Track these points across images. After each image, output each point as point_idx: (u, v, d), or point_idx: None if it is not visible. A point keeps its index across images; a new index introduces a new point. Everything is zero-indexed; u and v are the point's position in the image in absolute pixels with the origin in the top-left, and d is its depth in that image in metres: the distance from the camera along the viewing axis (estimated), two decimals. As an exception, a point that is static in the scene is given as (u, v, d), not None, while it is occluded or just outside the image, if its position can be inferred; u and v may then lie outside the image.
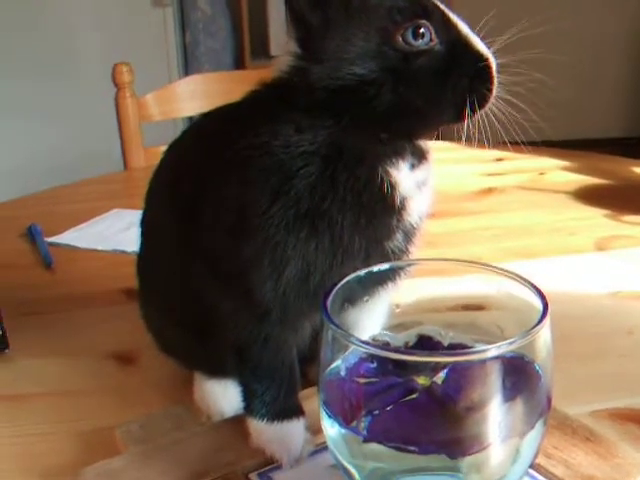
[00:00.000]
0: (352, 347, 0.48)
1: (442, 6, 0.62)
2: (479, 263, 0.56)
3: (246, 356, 0.69)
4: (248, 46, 4.05)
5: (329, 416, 0.48)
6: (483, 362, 0.44)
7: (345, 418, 0.47)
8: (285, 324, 0.65)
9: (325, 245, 0.60)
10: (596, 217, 1.33)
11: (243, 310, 0.66)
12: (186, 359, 0.84)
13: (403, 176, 0.63)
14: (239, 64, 4.11)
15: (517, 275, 0.53)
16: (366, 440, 0.46)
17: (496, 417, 0.45)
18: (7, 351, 0.94)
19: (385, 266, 0.57)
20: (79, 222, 1.42)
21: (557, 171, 1.63)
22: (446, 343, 0.54)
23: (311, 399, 0.71)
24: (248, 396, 0.71)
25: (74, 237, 1.34)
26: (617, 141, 4.69)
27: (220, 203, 0.66)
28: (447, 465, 0.45)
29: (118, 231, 1.36)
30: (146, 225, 0.84)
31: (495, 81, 0.62)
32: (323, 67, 0.61)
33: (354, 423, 0.47)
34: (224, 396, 0.77)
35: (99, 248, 1.28)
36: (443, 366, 0.48)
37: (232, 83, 2.24)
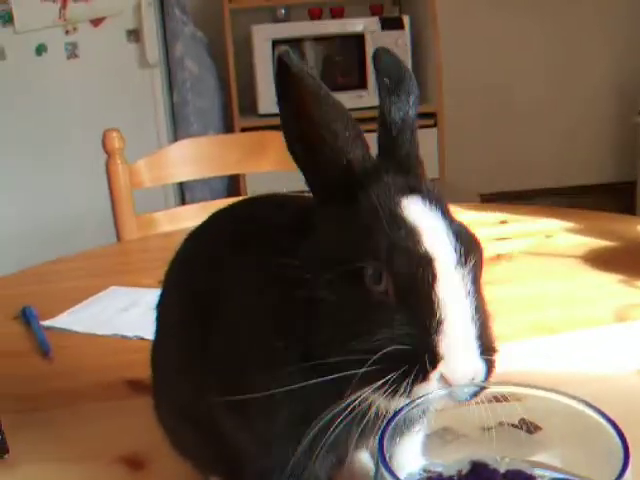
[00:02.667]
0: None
1: None
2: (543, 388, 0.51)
3: None
4: (236, 104, 4.04)
5: None
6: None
7: None
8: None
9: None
10: (611, 283, 1.29)
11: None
12: (202, 463, 0.78)
13: None
14: (228, 123, 4.10)
15: (584, 401, 0.48)
16: None
17: None
18: (6, 456, 0.88)
19: (442, 392, 0.52)
20: (74, 301, 1.36)
21: (564, 233, 1.59)
22: (502, 470, 0.49)
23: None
24: None
25: (70, 321, 1.29)
26: (608, 187, 4.70)
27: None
28: None
29: (116, 312, 1.31)
30: (162, 312, 0.78)
31: None
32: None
33: None
34: None
35: (98, 333, 1.23)
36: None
37: (223, 147, 2.22)
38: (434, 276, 0.55)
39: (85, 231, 1.98)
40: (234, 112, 4.07)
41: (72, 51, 3.80)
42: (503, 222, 1.69)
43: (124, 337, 1.20)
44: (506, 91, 4.65)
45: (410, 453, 0.52)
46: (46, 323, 1.27)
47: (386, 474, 0.42)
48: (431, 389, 0.53)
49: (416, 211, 0.59)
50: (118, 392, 1.02)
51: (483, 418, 0.53)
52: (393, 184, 0.61)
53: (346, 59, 4.24)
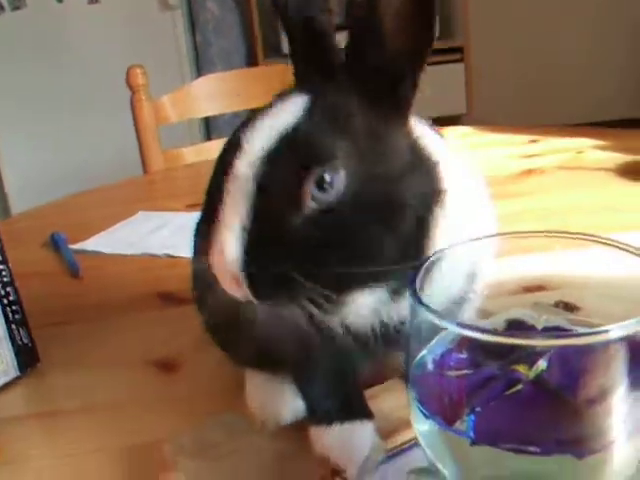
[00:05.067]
0: (437, 336, 0.42)
1: None
2: (576, 234, 0.49)
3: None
4: (260, 44, 3.99)
5: (426, 416, 0.42)
6: (606, 345, 0.38)
7: (446, 418, 0.41)
8: None
9: None
10: (644, 193, 1.27)
11: None
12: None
13: None
14: (251, 63, 4.06)
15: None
16: (475, 442, 0.40)
17: (623, 407, 0.39)
18: (38, 365, 0.88)
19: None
20: (103, 228, 1.36)
21: (595, 150, 1.56)
22: (540, 327, 0.48)
23: (379, 398, 0.65)
24: (305, 396, 0.65)
25: (100, 243, 1.28)
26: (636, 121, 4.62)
27: None
28: (567, 468, 0.39)
29: (145, 234, 1.30)
30: None
31: None
32: None
33: (457, 423, 0.41)
34: (281, 399, 0.70)
35: (127, 253, 1.22)
36: (544, 352, 0.42)
37: (246, 81, 2.20)
38: None
39: (113, 174, 1.98)
40: (257, 52, 4.03)
41: (93, -5, 3.77)
42: (533, 141, 1.66)
43: (153, 256, 1.19)
44: (535, 24, 4.56)
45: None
46: (75, 247, 1.26)
47: (424, 312, 0.40)
48: None
49: None
50: (148, 304, 1.01)
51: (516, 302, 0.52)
52: None
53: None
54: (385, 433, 0.61)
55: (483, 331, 0.38)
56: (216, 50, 3.97)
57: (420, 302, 0.41)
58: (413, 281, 0.43)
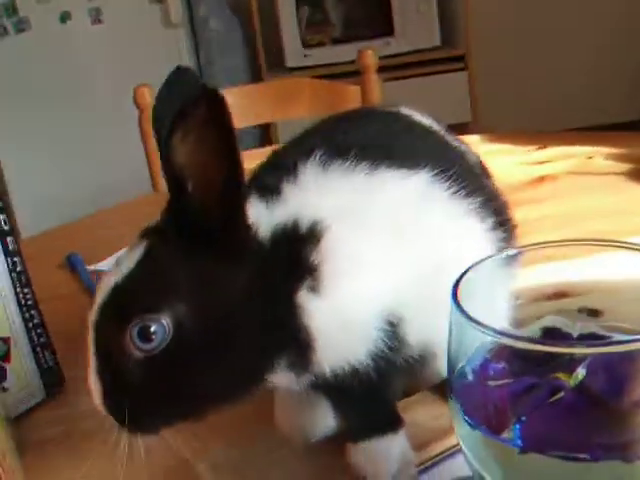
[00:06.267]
0: (476, 346, 0.43)
1: None
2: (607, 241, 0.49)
3: None
4: (264, 60, 4.01)
5: (472, 427, 0.42)
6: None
7: (492, 427, 0.41)
8: None
9: None
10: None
11: None
12: None
13: None
14: (256, 79, 4.07)
15: None
16: (523, 450, 0.40)
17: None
18: (63, 387, 0.88)
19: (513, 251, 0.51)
20: (118, 248, 1.36)
21: (604, 154, 1.56)
22: (575, 334, 0.48)
23: (412, 410, 0.65)
24: (338, 413, 0.66)
25: (116, 263, 1.28)
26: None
27: None
28: (616, 474, 0.39)
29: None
30: None
31: None
32: None
33: (505, 432, 0.41)
34: (310, 416, 0.70)
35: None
36: (581, 360, 0.42)
37: (252, 97, 2.20)
38: None
39: (123, 194, 1.98)
40: (262, 67, 4.04)
41: (96, 16, 3.79)
42: (541, 148, 1.66)
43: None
44: (536, 31, 4.57)
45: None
46: (92, 267, 1.26)
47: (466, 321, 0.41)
48: None
49: None
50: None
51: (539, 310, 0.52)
52: None
53: (370, 5, 4.18)
54: (419, 445, 0.61)
55: (527, 340, 0.38)
56: (219, 67, 3.99)
57: (461, 311, 0.42)
58: (454, 290, 0.43)
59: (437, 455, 0.60)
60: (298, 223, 0.58)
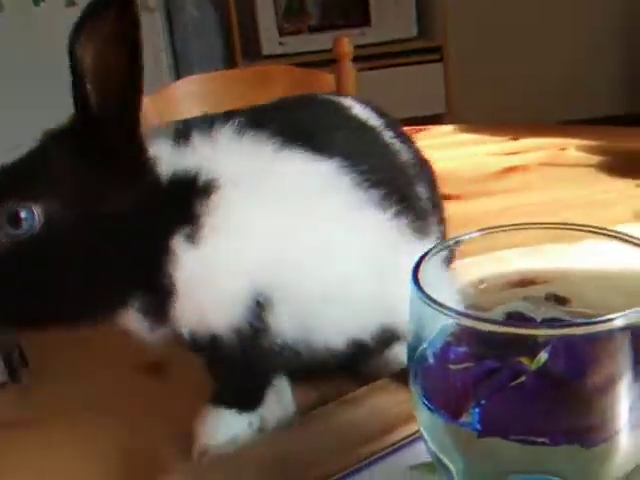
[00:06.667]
0: (437, 329, 0.42)
1: None
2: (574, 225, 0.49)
3: None
4: (239, 47, 3.99)
5: (431, 410, 0.42)
6: (610, 334, 0.38)
7: (451, 411, 0.41)
8: None
9: None
10: (629, 188, 1.27)
11: None
12: None
13: None
14: (231, 65, 4.05)
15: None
16: (482, 434, 0.40)
17: (629, 395, 0.39)
18: (26, 370, 0.87)
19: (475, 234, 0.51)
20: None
21: (577, 147, 1.56)
22: (539, 319, 0.47)
23: (373, 396, 0.65)
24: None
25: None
26: (617, 119, 4.64)
27: None
28: (575, 458, 0.39)
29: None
30: None
31: None
32: None
33: (463, 416, 0.41)
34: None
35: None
36: (544, 344, 0.41)
37: (227, 83, 2.19)
38: None
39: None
40: (236, 54, 4.03)
41: (70, -1, 3.75)
42: (514, 139, 1.66)
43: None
44: (514, 21, 4.58)
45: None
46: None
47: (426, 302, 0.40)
48: None
49: None
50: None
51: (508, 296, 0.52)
52: None
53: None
54: (382, 431, 0.61)
55: (489, 321, 0.38)
56: (195, 52, 3.96)
57: (421, 292, 0.41)
58: (415, 273, 0.43)
59: (398, 441, 0.59)
60: (197, 174, 0.60)
